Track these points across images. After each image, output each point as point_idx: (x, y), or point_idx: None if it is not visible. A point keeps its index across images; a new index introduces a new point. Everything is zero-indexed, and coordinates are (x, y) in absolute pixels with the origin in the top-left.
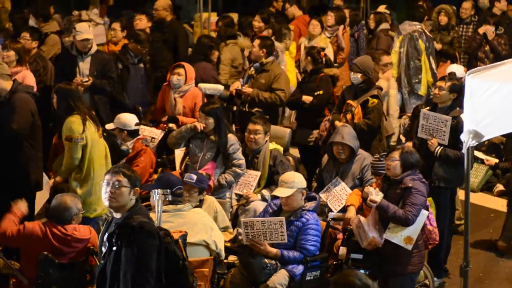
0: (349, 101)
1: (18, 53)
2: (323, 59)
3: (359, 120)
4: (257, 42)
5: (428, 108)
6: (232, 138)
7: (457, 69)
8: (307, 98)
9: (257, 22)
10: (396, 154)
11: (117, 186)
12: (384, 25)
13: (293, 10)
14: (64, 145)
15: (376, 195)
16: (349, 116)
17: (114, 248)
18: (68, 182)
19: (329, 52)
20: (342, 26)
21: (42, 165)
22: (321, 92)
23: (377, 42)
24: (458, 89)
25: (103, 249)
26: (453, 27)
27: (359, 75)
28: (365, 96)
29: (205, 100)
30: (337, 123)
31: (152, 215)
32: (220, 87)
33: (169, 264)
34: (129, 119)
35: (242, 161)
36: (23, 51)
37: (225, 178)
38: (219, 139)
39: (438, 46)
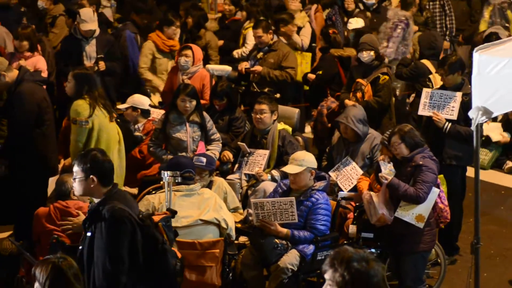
0: (359, 80)
1: (29, 39)
2: (331, 38)
3: (369, 98)
4: (259, 31)
5: (436, 88)
6: (205, 113)
7: (356, 21)
8: (310, 77)
9: (227, 6)
10: (397, 138)
11: (73, 178)
12: (362, 7)
13: None
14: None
15: (388, 171)
16: (359, 94)
17: (89, 234)
18: None
19: (306, 32)
20: (314, 6)
21: (56, 151)
22: (320, 72)
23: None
24: (458, 65)
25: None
26: (424, 6)
27: (372, 53)
28: (375, 73)
29: (213, 82)
30: (347, 101)
31: (164, 195)
32: (228, 68)
33: (147, 248)
34: (143, 98)
35: (219, 134)
36: (33, 36)
37: (214, 154)
38: (201, 118)
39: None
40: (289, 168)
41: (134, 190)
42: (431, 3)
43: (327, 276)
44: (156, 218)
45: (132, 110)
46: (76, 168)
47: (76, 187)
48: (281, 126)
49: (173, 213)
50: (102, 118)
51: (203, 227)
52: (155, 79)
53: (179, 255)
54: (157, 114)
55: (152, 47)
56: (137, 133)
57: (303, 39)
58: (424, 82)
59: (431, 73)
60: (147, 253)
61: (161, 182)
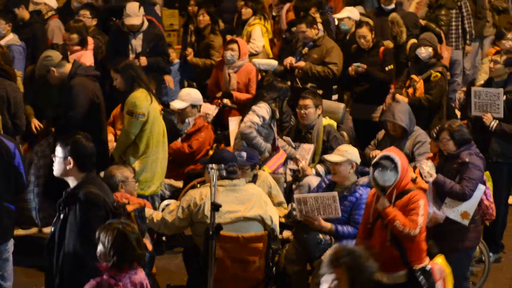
0: (413, 76)
1: (80, 33)
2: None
3: (420, 95)
4: (303, 25)
5: (480, 84)
6: None
7: (351, 11)
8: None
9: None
10: (446, 134)
11: (54, 156)
12: (360, 8)
13: None
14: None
15: (429, 168)
16: (410, 90)
17: (62, 216)
18: (125, 158)
19: None
20: (287, 5)
21: (107, 148)
22: (391, 66)
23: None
24: None
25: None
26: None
27: (430, 49)
28: (429, 71)
29: (259, 76)
30: (397, 96)
31: (206, 189)
32: (274, 62)
33: None
34: (198, 93)
35: None
36: (85, 30)
37: None
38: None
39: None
40: (330, 157)
41: (179, 184)
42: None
43: (322, 279)
44: (129, 208)
45: (192, 107)
46: (58, 148)
47: (55, 166)
48: (326, 121)
49: (217, 206)
50: (155, 111)
51: (247, 223)
52: None
53: (149, 247)
54: (203, 107)
55: None
56: (179, 126)
57: None
58: None
59: None
60: None
61: (205, 175)
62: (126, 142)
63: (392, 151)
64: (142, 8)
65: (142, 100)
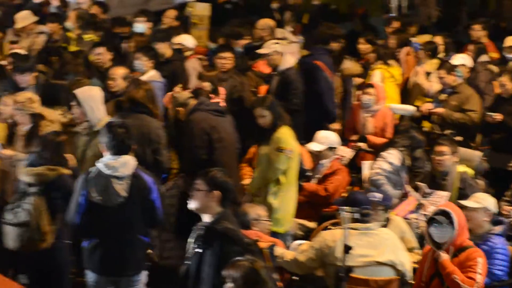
0: None
1: (212, 82)
2: None
3: None
4: (442, 72)
5: None
6: None
7: (465, 58)
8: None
9: (363, 45)
10: None
11: (196, 189)
12: (484, 57)
13: (478, 32)
14: (268, 155)
15: None
16: None
17: (200, 250)
18: (261, 194)
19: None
20: (406, 49)
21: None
22: None
23: (476, 76)
24: None
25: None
26: None
27: None
28: None
29: (397, 121)
30: None
31: (339, 231)
32: (411, 108)
33: None
34: (336, 136)
35: None
36: (216, 80)
37: None
38: None
39: None
40: (465, 202)
41: (312, 224)
42: None
43: None
44: (262, 245)
45: (329, 150)
46: (200, 181)
47: (195, 199)
48: (462, 168)
49: (347, 248)
50: (296, 149)
51: (378, 267)
52: None
53: (280, 284)
54: (343, 152)
55: None
56: (305, 167)
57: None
58: None
59: None
60: None
61: (338, 218)
62: (268, 178)
63: (448, 207)
64: (277, 47)
65: (290, 137)
